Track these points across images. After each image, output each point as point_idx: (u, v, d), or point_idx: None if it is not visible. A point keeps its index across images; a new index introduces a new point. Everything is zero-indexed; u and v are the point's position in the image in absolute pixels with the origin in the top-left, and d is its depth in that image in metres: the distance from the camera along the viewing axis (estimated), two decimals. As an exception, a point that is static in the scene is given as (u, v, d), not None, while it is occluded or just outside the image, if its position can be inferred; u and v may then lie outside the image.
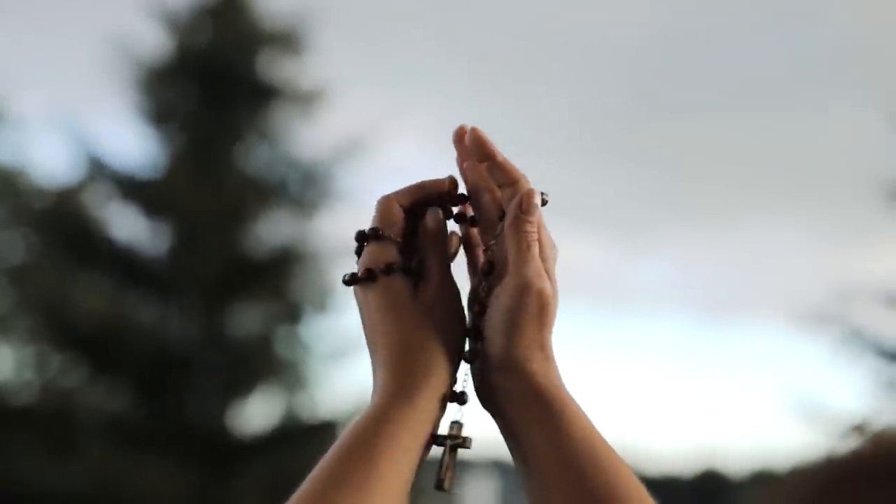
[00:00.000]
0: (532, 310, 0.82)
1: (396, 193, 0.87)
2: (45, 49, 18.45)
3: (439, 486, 0.81)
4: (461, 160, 0.89)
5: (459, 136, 0.89)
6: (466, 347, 0.85)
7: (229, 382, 10.02)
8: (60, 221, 10.55)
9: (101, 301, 10.01)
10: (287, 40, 10.85)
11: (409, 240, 0.86)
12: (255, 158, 10.65)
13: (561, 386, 0.82)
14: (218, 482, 9.54)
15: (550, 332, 0.83)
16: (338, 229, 10.62)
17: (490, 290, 0.84)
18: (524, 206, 0.84)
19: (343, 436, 0.78)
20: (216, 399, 9.95)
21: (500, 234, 0.85)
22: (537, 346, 0.82)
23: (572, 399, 0.81)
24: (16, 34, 19.27)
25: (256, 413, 10.30)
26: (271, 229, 10.55)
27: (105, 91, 10.73)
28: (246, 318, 10.30)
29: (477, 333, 0.83)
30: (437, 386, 0.80)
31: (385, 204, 0.87)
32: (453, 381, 0.82)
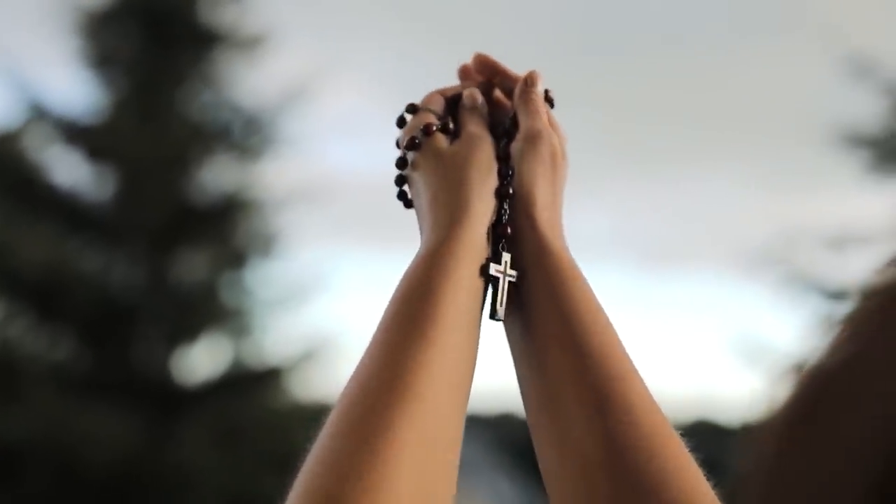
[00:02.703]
0: (544, 155, 0.86)
1: (441, 88, 0.94)
2: (-18, -8, 18.12)
3: (493, 315, 0.82)
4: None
5: (465, 70, 0.96)
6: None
7: (174, 330, 10.01)
8: (1, 167, 10.43)
9: (43, 248, 9.92)
10: (230, -16, 10.74)
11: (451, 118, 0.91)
12: (198, 104, 10.58)
13: (565, 244, 0.85)
14: (164, 429, 9.55)
15: (561, 191, 0.88)
16: (282, 176, 10.60)
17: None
18: (529, 80, 0.92)
19: (396, 287, 0.79)
20: (161, 346, 9.94)
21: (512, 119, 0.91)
22: (549, 195, 0.86)
23: (574, 261, 0.83)
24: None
25: (202, 360, 10.30)
26: (215, 175, 10.50)
27: (45, 35, 10.59)
28: (191, 265, 10.27)
29: (506, 172, 0.86)
30: (479, 219, 0.82)
31: (428, 93, 0.92)
32: (495, 216, 0.84)
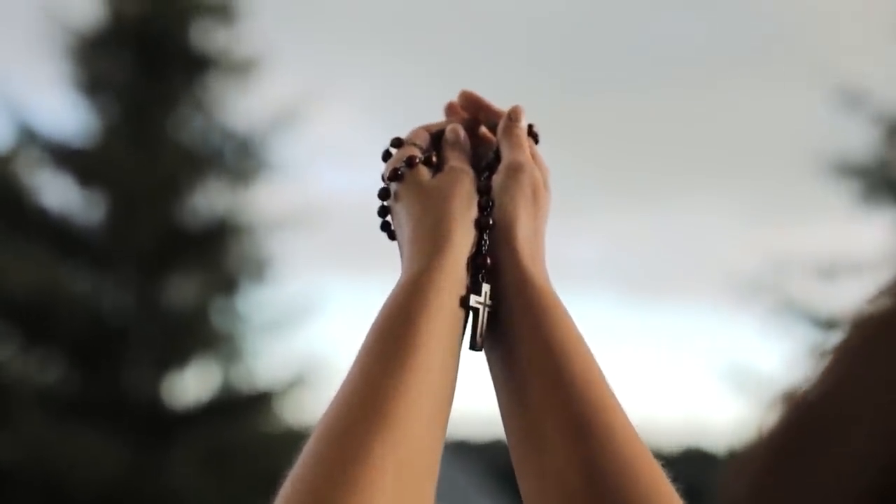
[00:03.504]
0: (525, 188, 0.87)
1: (426, 124, 0.95)
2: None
3: (473, 345, 0.82)
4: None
5: (452, 107, 0.98)
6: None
7: (165, 354, 9.99)
8: (-8, 191, 10.42)
9: (34, 271, 9.90)
10: (221, 10, 10.77)
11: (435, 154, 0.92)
12: (189, 128, 10.59)
13: (546, 275, 0.85)
14: (153, 453, 9.52)
15: (543, 223, 0.88)
16: (273, 201, 10.62)
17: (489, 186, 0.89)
18: (512, 115, 0.93)
19: (376, 315, 0.80)
20: (151, 370, 9.92)
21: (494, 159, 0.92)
22: (531, 227, 0.86)
23: (554, 292, 0.84)
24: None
25: (192, 384, 10.28)
26: (207, 200, 10.50)
27: (37, 59, 10.61)
28: (182, 289, 10.26)
29: (486, 204, 0.87)
30: (459, 250, 0.83)
31: (413, 129, 0.94)
32: (475, 248, 0.85)
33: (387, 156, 0.92)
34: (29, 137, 10.48)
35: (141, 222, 9.94)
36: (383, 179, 0.90)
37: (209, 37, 10.78)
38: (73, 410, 9.51)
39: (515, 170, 0.88)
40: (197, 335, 10.18)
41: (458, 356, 0.81)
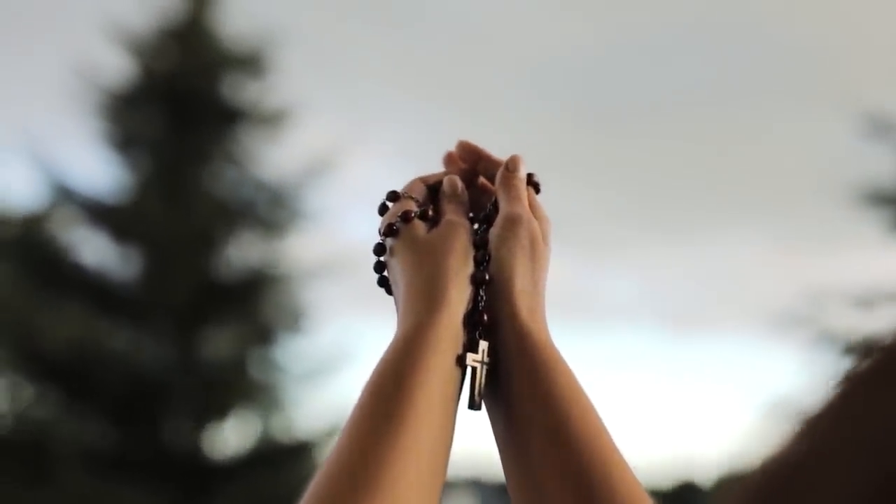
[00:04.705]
0: (523, 240, 0.86)
1: (423, 176, 0.94)
2: (8, 76, 18.37)
3: (472, 405, 0.81)
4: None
5: (450, 157, 0.97)
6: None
7: (204, 406, 10.00)
8: (28, 249, 10.51)
9: (72, 328, 9.96)
10: (250, 63, 10.87)
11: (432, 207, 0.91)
12: (222, 181, 10.65)
13: (546, 329, 0.84)
14: (195, 506, 9.51)
15: (542, 277, 0.86)
16: (307, 250, 10.64)
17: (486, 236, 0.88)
18: (510, 165, 0.91)
19: (370, 374, 0.78)
20: (191, 423, 9.93)
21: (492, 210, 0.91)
22: (529, 281, 0.85)
23: (554, 346, 0.82)
24: (-22, 63, 19.19)
25: (232, 436, 10.27)
26: (241, 252, 10.54)
27: (70, 117, 10.72)
28: (219, 342, 10.28)
29: (482, 258, 0.85)
30: (454, 307, 0.81)
31: (410, 181, 0.93)
32: (472, 304, 0.83)
33: (383, 209, 0.90)
34: (64, 195, 10.57)
35: (176, 276, 9.99)
36: (379, 234, 0.89)
37: (239, 89, 10.87)
38: (114, 466, 9.52)
39: (512, 222, 0.86)
40: (235, 387, 10.19)
41: (454, 416, 0.79)
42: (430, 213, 0.89)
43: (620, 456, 0.77)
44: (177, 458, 9.76)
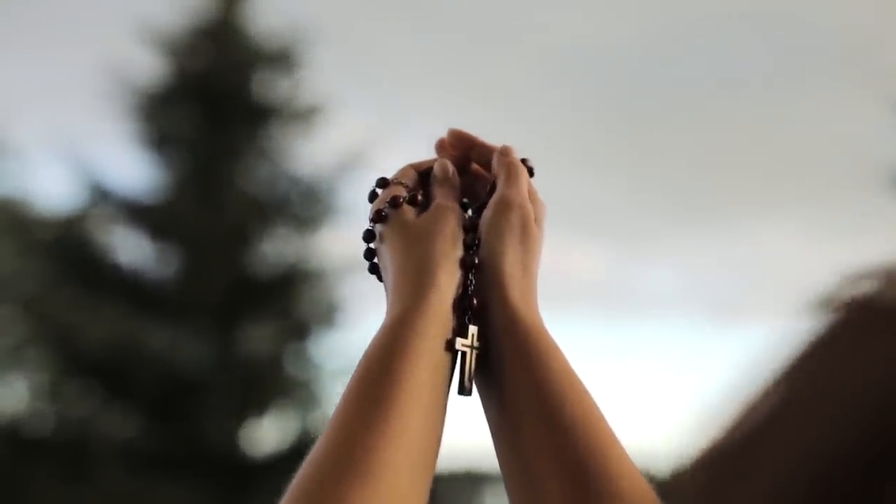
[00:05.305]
0: (514, 224, 0.84)
1: (414, 162, 0.93)
2: (42, 79, 18.51)
3: (462, 390, 0.80)
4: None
5: (441, 144, 0.95)
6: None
7: (242, 403, 10.04)
8: (67, 250, 10.59)
9: (110, 327, 10.02)
10: (282, 59, 10.90)
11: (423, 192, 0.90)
12: (256, 178, 10.69)
13: (538, 314, 0.82)
14: (234, 502, 9.55)
15: (534, 261, 0.85)
16: (342, 245, 10.66)
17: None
18: (503, 150, 0.90)
19: (358, 361, 0.77)
20: (229, 420, 9.97)
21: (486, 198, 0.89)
22: (520, 264, 0.83)
23: (546, 331, 0.81)
24: (12, 65, 19.33)
25: (270, 432, 10.31)
26: (276, 248, 10.58)
27: (104, 118, 10.78)
28: (255, 338, 10.32)
29: (472, 242, 0.84)
30: (443, 292, 0.80)
31: (402, 167, 0.92)
32: (461, 288, 0.82)
33: (373, 196, 0.89)
34: (100, 196, 10.65)
35: (212, 273, 10.03)
36: (366, 235, 0.88)
37: (271, 86, 10.90)
38: (153, 463, 9.58)
39: (504, 205, 0.85)
40: (273, 383, 10.23)
41: (444, 402, 0.78)
42: (420, 197, 0.87)
43: (615, 439, 0.76)
44: (215, 455, 9.81)
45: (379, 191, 0.89)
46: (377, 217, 0.86)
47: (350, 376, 0.76)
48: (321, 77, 11.12)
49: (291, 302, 10.45)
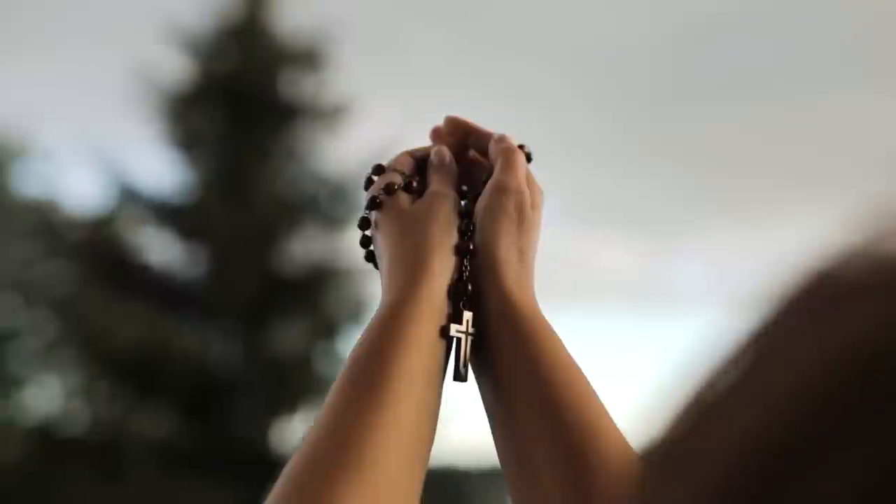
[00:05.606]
0: (509, 209, 0.83)
1: (410, 149, 0.91)
2: (69, 81, 18.62)
3: (457, 377, 0.79)
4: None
5: (437, 132, 0.94)
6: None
7: (272, 402, 10.08)
8: (96, 251, 10.65)
9: (140, 327, 10.08)
10: (308, 58, 10.92)
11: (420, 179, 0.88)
12: (284, 177, 10.72)
13: (534, 299, 0.81)
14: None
15: (530, 246, 0.84)
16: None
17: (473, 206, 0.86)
18: (500, 135, 0.89)
19: (351, 349, 0.77)
20: (260, 419, 10.01)
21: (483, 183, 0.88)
22: (515, 249, 0.82)
23: (542, 315, 0.80)
24: (39, 67, 19.46)
25: (300, 431, 10.33)
26: (304, 247, 10.61)
27: (132, 119, 10.84)
28: (285, 337, 10.35)
29: (466, 228, 0.83)
30: (437, 278, 0.79)
31: (398, 154, 0.91)
32: (456, 274, 0.81)
33: (368, 183, 0.89)
34: (129, 197, 10.71)
35: (241, 273, 10.07)
36: (360, 222, 0.87)
37: (298, 85, 10.93)
38: (185, 462, 9.63)
39: (499, 191, 0.83)
40: (302, 382, 10.25)
41: (439, 389, 0.77)
42: (415, 184, 0.86)
43: (613, 424, 0.75)
44: (246, 453, 9.84)
45: (375, 178, 0.88)
46: (372, 204, 0.86)
47: (344, 362, 0.76)
48: (347, 76, 11.15)
49: (320, 300, 10.48)
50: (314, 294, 10.46)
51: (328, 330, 10.53)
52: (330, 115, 10.89)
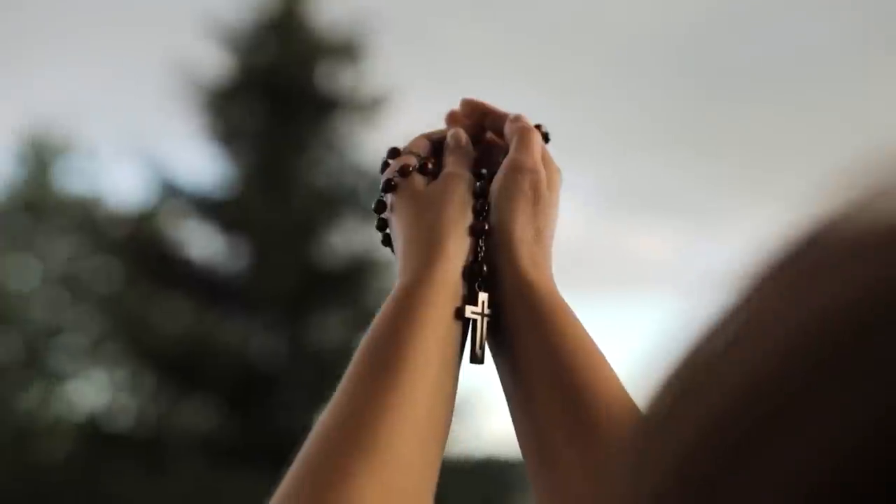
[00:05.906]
0: (525, 188, 0.82)
1: (426, 132, 0.91)
2: (111, 78, 18.77)
3: (473, 358, 0.78)
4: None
5: (453, 115, 0.93)
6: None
7: (315, 394, 10.11)
8: (140, 246, 10.73)
9: (184, 321, 10.15)
10: (346, 51, 10.94)
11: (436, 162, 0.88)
12: (323, 170, 10.74)
13: (551, 279, 0.80)
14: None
15: (547, 225, 0.83)
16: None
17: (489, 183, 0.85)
18: (515, 115, 0.88)
19: (366, 332, 0.76)
20: (303, 411, 10.04)
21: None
22: (531, 228, 0.81)
23: (559, 295, 0.79)
24: (81, 66, 19.63)
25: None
26: (344, 239, 10.63)
27: (173, 115, 10.91)
28: (326, 329, 10.38)
29: (481, 208, 0.82)
30: (452, 259, 0.79)
31: (415, 137, 0.90)
32: (472, 255, 0.80)
33: (384, 167, 0.88)
34: (171, 192, 10.77)
35: (282, 266, 10.10)
36: (376, 206, 0.87)
37: (336, 78, 10.95)
38: (229, 455, 9.69)
39: (514, 170, 0.83)
40: (343, 373, 10.27)
41: (455, 371, 0.77)
42: (430, 166, 0.86)
43: (634, 407, 0.72)
44: (290, 445, 9.87)
45: (391, 161, 0.88)
46: (387, 186, 0.85)
47: (360, 345, 0.75)
48: (385, 68, 11.16)
49: (360, 292, 10.50)
50: (354, 286, 10.48)
51: (369, 321, 10.43)
52: (368, 107, 10.91)
